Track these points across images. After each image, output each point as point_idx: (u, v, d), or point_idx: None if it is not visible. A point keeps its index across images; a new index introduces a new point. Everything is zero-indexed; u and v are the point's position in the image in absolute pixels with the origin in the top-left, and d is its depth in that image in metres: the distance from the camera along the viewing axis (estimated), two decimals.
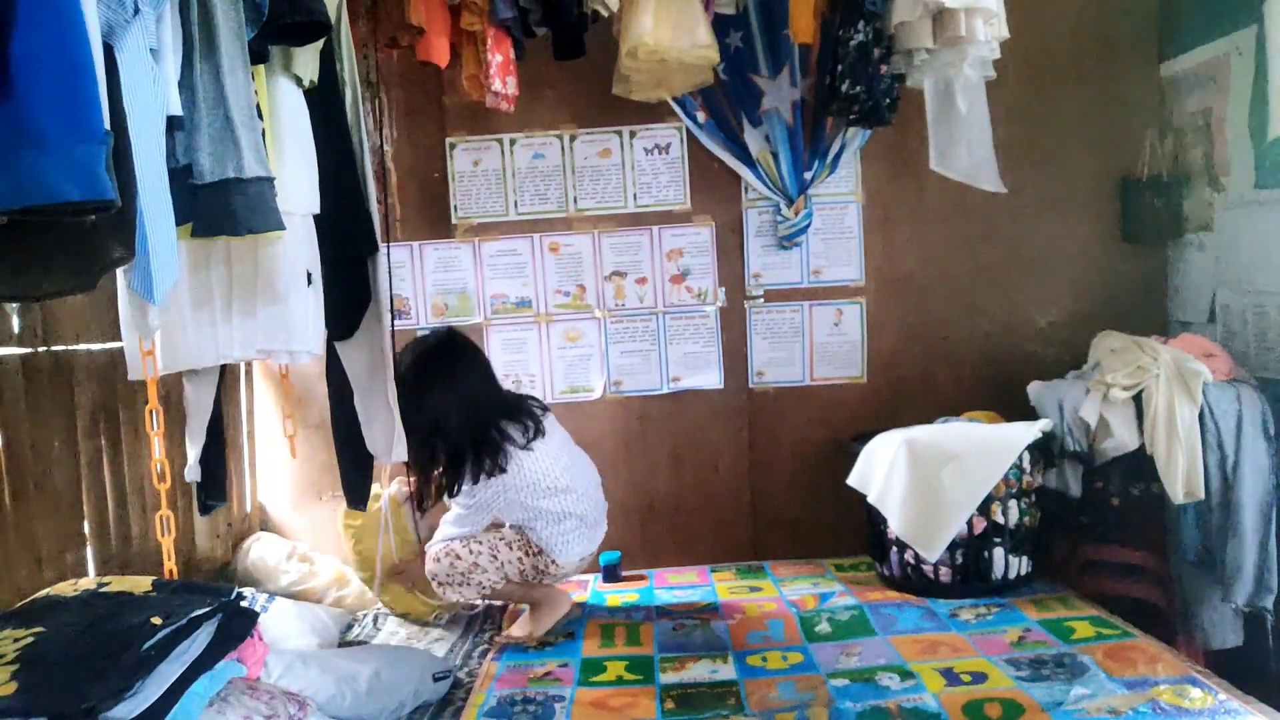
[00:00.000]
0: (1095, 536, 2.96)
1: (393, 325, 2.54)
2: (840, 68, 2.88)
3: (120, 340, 2.01)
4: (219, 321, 2.01)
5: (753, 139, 3.37)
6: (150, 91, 1.45)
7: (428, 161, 3.45)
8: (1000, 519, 2.87)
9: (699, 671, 2.49)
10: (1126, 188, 3.39)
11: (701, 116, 3.37)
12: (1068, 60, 3.40)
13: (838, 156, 3.38)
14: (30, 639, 1.53)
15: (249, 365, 3.36)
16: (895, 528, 2.92)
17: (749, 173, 3.39)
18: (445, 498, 2.86)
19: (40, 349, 2.24)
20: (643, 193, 3.47)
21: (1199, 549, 2.73)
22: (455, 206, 3.46)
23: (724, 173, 3.44)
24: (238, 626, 1.79)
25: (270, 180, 1.78)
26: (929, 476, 2.85)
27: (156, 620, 1.59)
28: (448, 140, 3.43)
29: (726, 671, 2.49)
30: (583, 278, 3.49)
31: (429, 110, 3.42)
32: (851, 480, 3.08)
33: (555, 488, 2.75)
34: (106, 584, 1.77)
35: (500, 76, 2.79)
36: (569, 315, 3.50)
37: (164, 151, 1.52)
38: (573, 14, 2.77)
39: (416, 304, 3.48)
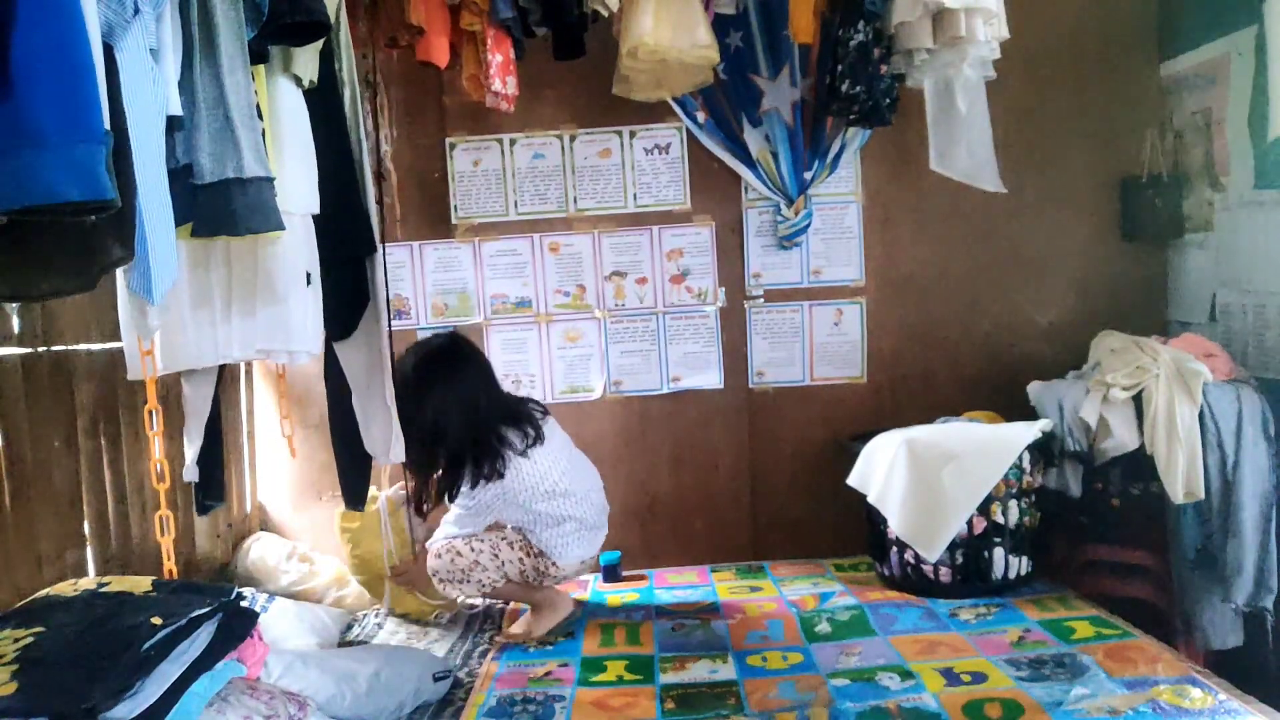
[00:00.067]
0: (1095, 536, 2.96)
1: (390, 326, 2.54)
2: (840, 68, 2.88)
3: (120, 340, 2.01)
4: (218, 321, 2.01)
5: (753, 139, 3.37)
6: (150, 91, 1.45)
7: (428, 161, 3.45)
8: (1000, 519, 2.87)
9: (699, 671, 2.49)
10: (1127, 187, 3.39)
11: (701, 116, 3.37)
12: (1068, 60, 3.40)
13: (838, 156, 3.39)
14: (30, 639, 1.53)
15: (248, 365, 3.37)
16: (895, 528, 2.92)
17: (749, 173, 3.39)
18: (444, 501, 2.86)
19: (40, 349, 2.24)
20: (643, 193, 3.47)
21: (1199, 549, 2.72)
22: (455, 206, 3.46)
23: (724, 173, 3.44)
24: (238, 626, 1.79)
25: (270, 180, 1.78)
26: (929, 476, 2.85)
27: (156, 620, 1.59)
28: (448, 140, 3.43)
29: (726, 671, 2.49)
30: (583, 278, 3.49)
31: (429, 110, 3.42)
32: (851, 480, 3.08)
33: (554, 491, 2.75)
34: (106, 584, 1.77)
35: (500, 76, 2.79)
36: (569, 315, 3.50)
37: (164, 151, 1.52)
38: (573, 14, 2.77)
39: (416, 304, 3.48)
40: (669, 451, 3.52)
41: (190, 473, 2.37)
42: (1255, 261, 2.93)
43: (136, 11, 1.40)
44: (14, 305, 2.13)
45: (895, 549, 2.99)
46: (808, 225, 3.40)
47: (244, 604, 1.88)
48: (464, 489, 2.74)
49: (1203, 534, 2.71)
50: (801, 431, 3.50)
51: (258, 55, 1.87)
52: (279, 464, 3.44)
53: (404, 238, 3.44)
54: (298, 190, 2.06)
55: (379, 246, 2.45)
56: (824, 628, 2.76)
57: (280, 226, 1.81)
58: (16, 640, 1.52)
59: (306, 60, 2.06)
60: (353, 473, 2.59)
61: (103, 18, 1.31)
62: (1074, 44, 3.40)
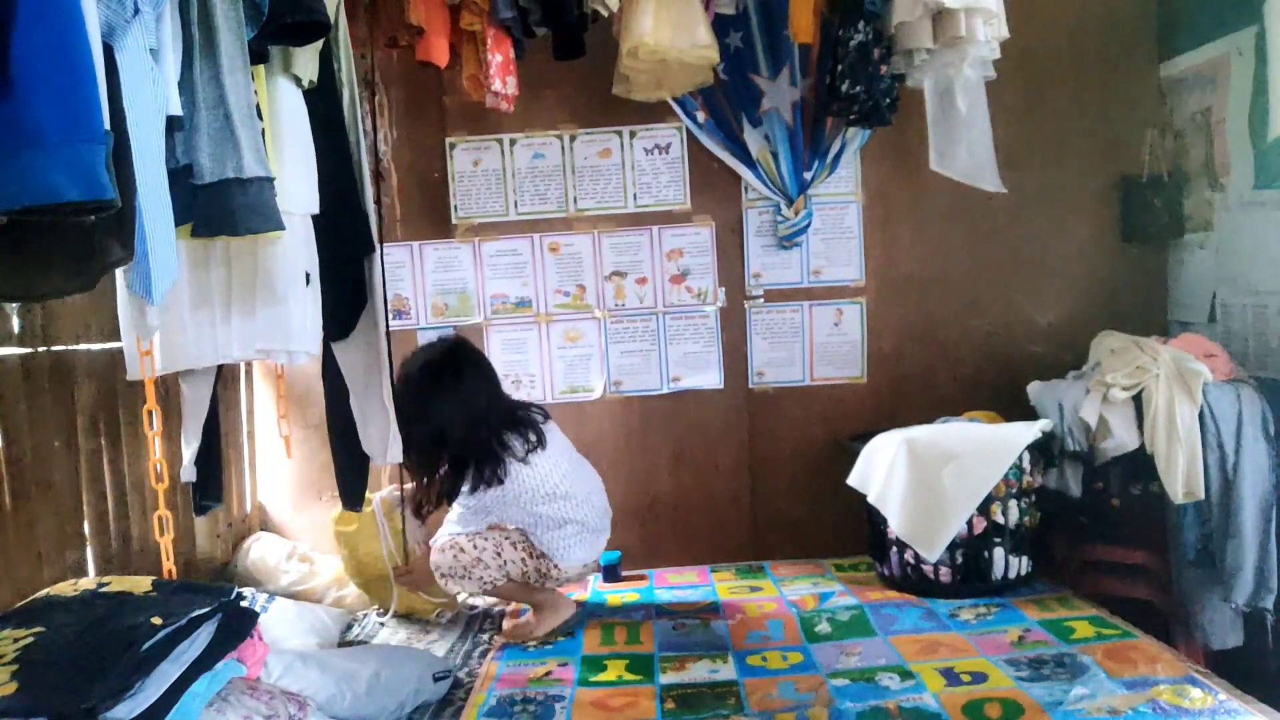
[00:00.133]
0: (1095, 536, 2.96)
1: (389, 326, 2.53)
2: (840, 68, 2.88)
3: (120, 340, 2.01)
4: (218, 322, 2.01)
5: (753, 139, 3.37)
6: (150, 91, 1.45)
7: (428, 161, 3.45)
8: (1000, 519, 2.87)
9: (699, 671, 2.49)
10: (1126, 188, 3.39)
11: (701, 116, 3.37)
12: (1068, 60, 3.40)
13: (838, 156, 3.39)
14: (30, 639, 1.53)
15: (248, 365, 3.37)
16: (895, 528, 2.92)
17: (749, 173, 3.39)
18: (444, 504, 2.86)
19: (40, 349, 2.24)
20: (643, 193, 3.47)
21: (1199, 549, 2.72)
22: (455, 206, 3.46)
23: (724, 173, 3.44)
24: (238, 626, 1.79)
25: (270, 180, 1.78)
26: (929, 476, 2.85)
27: (156, 620, 1.59)
28: (448, 140, 3.43)
29: (726, 671, 2.48)
30: (583, 278, 3.49)
31: (429, 110, 3.42)
32: (851, 480, 3.08)
33: (554, 494, 2.75)
34: (106, 584, 1.77)
35: (500, 76, 2.79)
36: (569, 315, 3.50)
37: (164, 151, 1.52)
38: (573, 14, 2.77)
39: (416, 304, 3.48)
40: (669, 451, 3.52)
41: (188, 473, 2.37)
42: (1255, 261, 2.93)
43: (136, 11, 1.40)
44: (14, 305, 2.13)
45: (895, 549, 2.99)
46: (808, 225, 3.40)
47: (244, 604, 1.88)
48: (464, 491, 2.75)
49: (1203, 534, 2.71)
50: (801, 431, 3.50)
51: (258, 55, 1.87)
52: (279, 464, 3.44)
53: (404, 238, 3.44)
54: (297, 190, 2.06)
55: (377, 247, 2.45)
56: (824, 628, 2.76)
57: (280, 227, 1.81)
58: (16, 640, 1.52)
59: (306, 60, 2.06)
60: (350, 473, 2.59)
61: (103, 18, 1.31)
62: (1074, 44, 3.40)
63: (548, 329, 3.50)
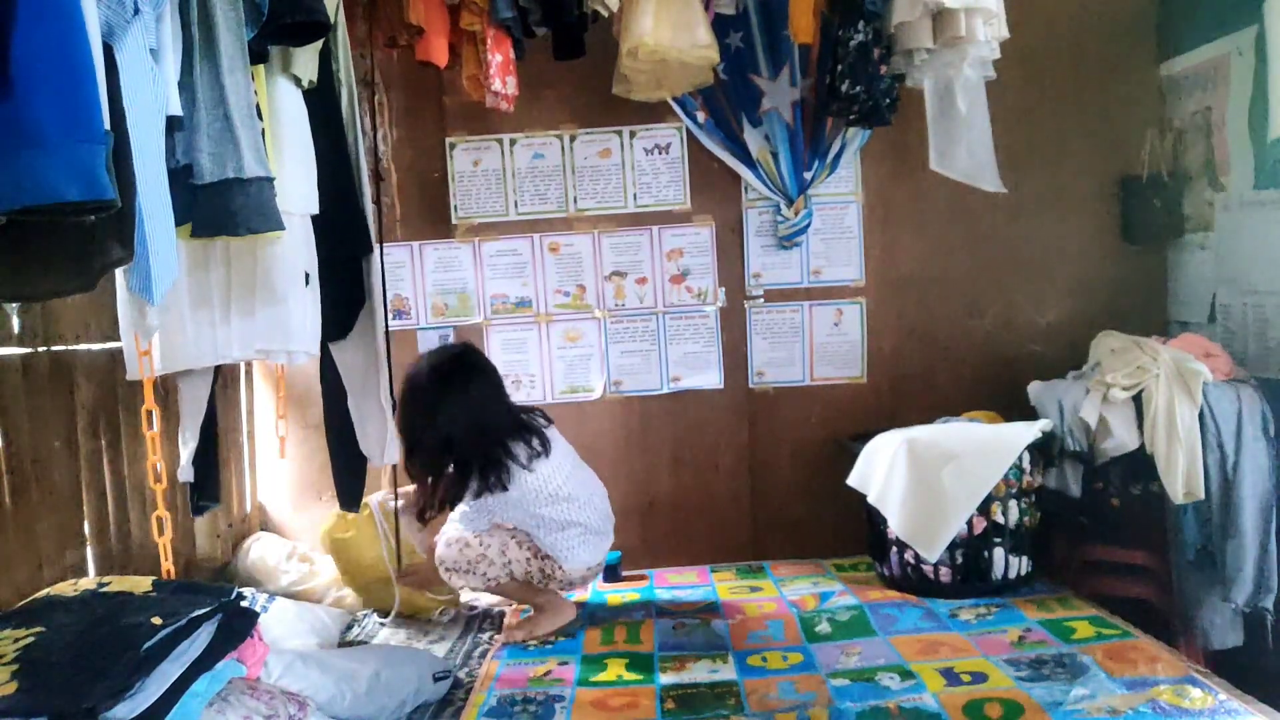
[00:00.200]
0: (1095, 536, 2.96)
1: (387, 326, 2.54)
2: (840, 68, 2.88)
3: (120, 340, 2.01)
4: (218, 322, 2.01)
5: (753, 139, 3.37)
6: (150, 91, 1.45)
7: (428, 161, 3.45)
8: (1000, 519, 2.87)
9: (699, 671, 2.49)
10: (1126, 188, 3.39)
11: (701, 116, 3.37)
12: (1068, 60, 3.40)
13: (838, 156, 3.38)
14: (30, 639, 1.53)
15: (248, 365, 3.37)
16: (895, 528, 2.92)
17: (749, 173, 3.39)
18: (446, 509, 2.85)
19: (40, 349, 2.24)
20: (643, 193, 3.47)
21: (1199, 549, 2.72)
22: (455, 206, 3.46)
23: (724, 173, 3.44)
24: (238, 626, 1.79)
25: (270, 180, 1.78)
26: (929, 476, 2.85)
27: (157, 620, 1.59)
28: (448, 140, 3.43)
29: (726, 671, 2.48)
30: (583, 278, 3.49)
31: (429, 110, 3.42)
32: (851, 480, 3.08)
33: (557, 495, 2.75)
34: (106, 584, 1.77)
35: (500, 76, 2.79)
36: (569, 315, 3.50)
37: (164, 151, 1.53)
38: (573, 14, 2.77)
39: (416, 304, 3.48)
40: (669, 451, 3.52)
41: (185, 473, 2.37)
42: (1255, 261, 2.93)
43: (136, 11, 1.40)
44: (14, 305, 2.13)
45: (895, 549, 2.99)
46: (808, 225, 3.40)
47: (244, 604, 1.88)
48: (468, 497, 2.74)
49: (1203, 534, 2.71)
50: (801, 431, 3.50)
51: (257, 55, 1.88)
52: (279, 464, 3.44)
53: (404, 238, 3.44)
54: (297, 190, 2.06)
55: (375, 247, 2.45)
56: (824, 628, 2.76)
57: (280, 227, 1.81)
58: (17, 640, 1.52)
59: (306, 60, 2.07)
60: (348, 474, 2.59)
61: (103, 18, 1.32)
62: (1074, 44, 3.40)
63: (548, 329, 3.50)
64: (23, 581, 2.09)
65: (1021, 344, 3.45)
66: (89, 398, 2.41)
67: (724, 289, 3.49)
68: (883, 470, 2.94)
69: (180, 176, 1.67)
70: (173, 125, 1.57)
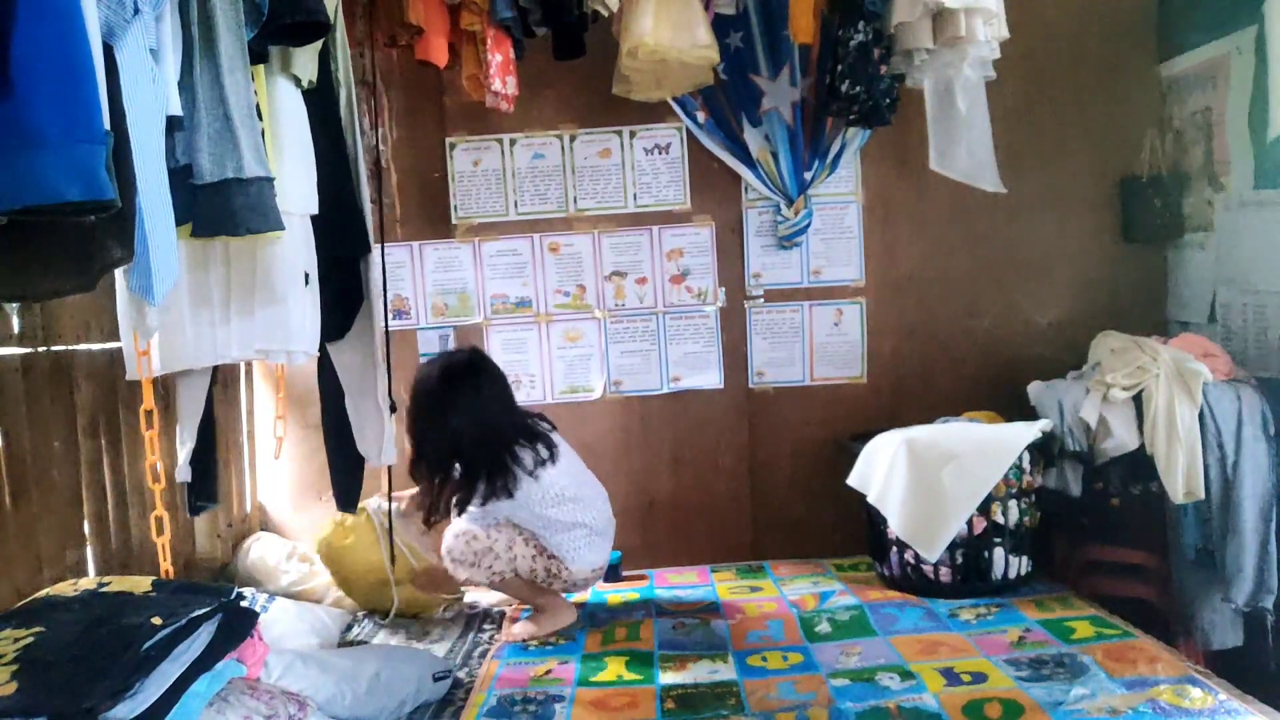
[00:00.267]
0: (1095, 536, 2.96)
1: (387, 326, 2.53)
2: (840, 68, 2.88)
3: (120, 340, 2.01)
4: (217, 322, 2.01)
5: (753, 139, 3.37)
6: (150, 91, 1.45)
7: (428, 161, 3.45)
8: (1000, 519, 2.87)
9: (699, 671, 2.49)
10: (1126, 188, 3.39)
11: (701, 116, 3.37)
12: (1068, 60, 3.40)
13: (838, 156, 3.38)
14: (30, 639, 1.53)
15: (248, 365, 3.37)
16: (895, 528, 2.92)
17: (749, 173, 3.39)
18: (451, 514, 2.85)
19: (40, 349, 2.24)
20: (643, 193, 3.47)
21: (1199, 549, 2.73)
22: (455, 206, 3.46)
23: (724, 173, 3.44)
24: (238, 626, 1.79)
25: (270, 180, 1.78)
26: (929, 476, 2.85)
27: (156, 620, 1.59)
28: (448, 140, 3.43)
29: (726, 671, 2.48)
30: (583, 278, 3.49)
31: (429, 110, 3.42)
32: (851, 480, 3.08)
33: (563, 496, 2.75)
34: (106, 584, 1.77)
35: (500, 76, 2.79)
36: (569, 315, 3.50)
37: (164, 151, 1.52)
38: (573, 14, 2.77)
39: (416, 304, 3.48)
40: (669, 451, 3.52)
41: (183, 473, 2.37)
42: (1255, 261, 2.93)
43: (136, 11, 1.40)
44: (14, 305, 2.13)
45: (895, 549, 2.99)
46: (808, 225, 3.40)
47: (244, 604, 1.88)
48: (474, 502, 2.74)
49: (1203, 534, 2.71)
50: (801, 431, 3.50)
51: (257, 55, 1.88)
52: (278, 464, 3.44)
53: (404, 238, 3.44)
54: (297, 190, 2.06)
55: (373, 247, 2.45)
56: (824, 628, 2.76)
57: (280, 227, 1.81)
58: (16, 640, 1.52)
59: (306, 60, 2.07)
60: (345, 474, 2.59)
61: (103, 18, 1.32)
62: (1074, 44, 3.40)
63: (548, 329, 3.50)
64: (23, 581, 2.09)
65: (1021, 344, 3.44)
66: (89, 398, 2.41)
67: (724, 289, 3.49)
68: (883, 470, 2.94)
69: (180, 176, 1.67)
70: (173, 125, 1.57)
